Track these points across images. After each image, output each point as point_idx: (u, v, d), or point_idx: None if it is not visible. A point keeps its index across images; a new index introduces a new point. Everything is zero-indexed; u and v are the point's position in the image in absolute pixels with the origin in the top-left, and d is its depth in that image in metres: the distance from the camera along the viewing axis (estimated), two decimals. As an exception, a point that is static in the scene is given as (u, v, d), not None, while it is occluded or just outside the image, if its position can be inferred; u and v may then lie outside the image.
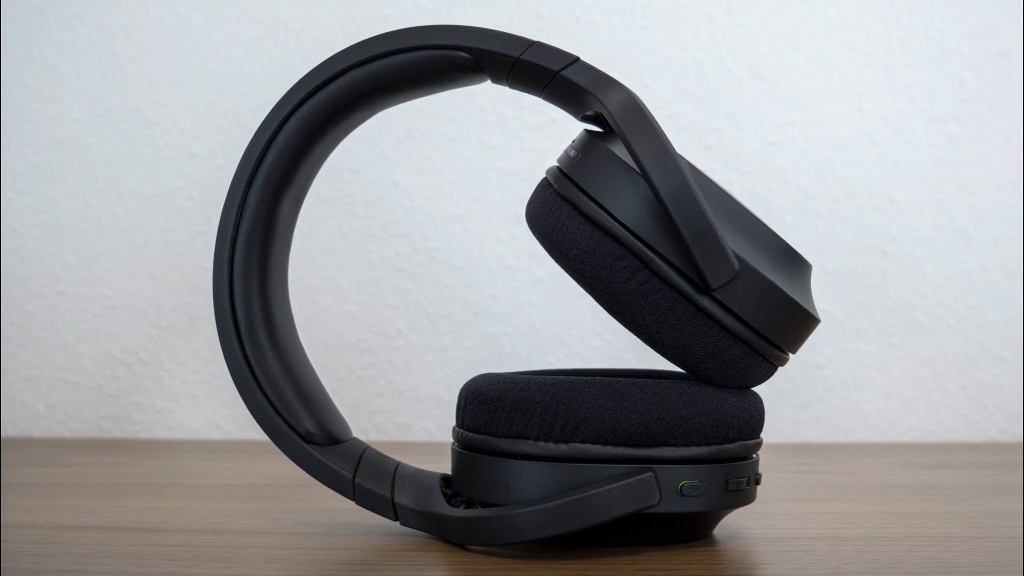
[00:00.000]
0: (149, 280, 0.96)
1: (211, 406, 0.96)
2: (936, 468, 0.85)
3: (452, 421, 0.56)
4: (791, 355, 0.54)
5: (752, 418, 0.53)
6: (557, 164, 0.54)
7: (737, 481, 0.52)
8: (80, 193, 0.95)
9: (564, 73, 0.52)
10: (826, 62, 0.96)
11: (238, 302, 0.56)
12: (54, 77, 0.95)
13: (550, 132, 0.96)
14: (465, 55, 0.54)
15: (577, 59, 0.52)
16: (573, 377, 0.53)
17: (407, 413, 0.96)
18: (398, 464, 0.56)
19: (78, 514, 0.62)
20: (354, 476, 0.55)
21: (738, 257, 0.50)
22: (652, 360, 0.57)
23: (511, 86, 0.55)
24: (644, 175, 0.50)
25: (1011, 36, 0.96)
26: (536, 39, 0.53)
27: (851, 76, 0.96)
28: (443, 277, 0.96)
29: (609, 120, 0.51)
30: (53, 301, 0.95)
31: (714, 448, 0.51)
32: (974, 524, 0.61)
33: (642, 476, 0.49)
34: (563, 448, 0.50)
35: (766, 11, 0.96)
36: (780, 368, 0.54)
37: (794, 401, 0.96)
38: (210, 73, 0.95)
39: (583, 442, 0.50)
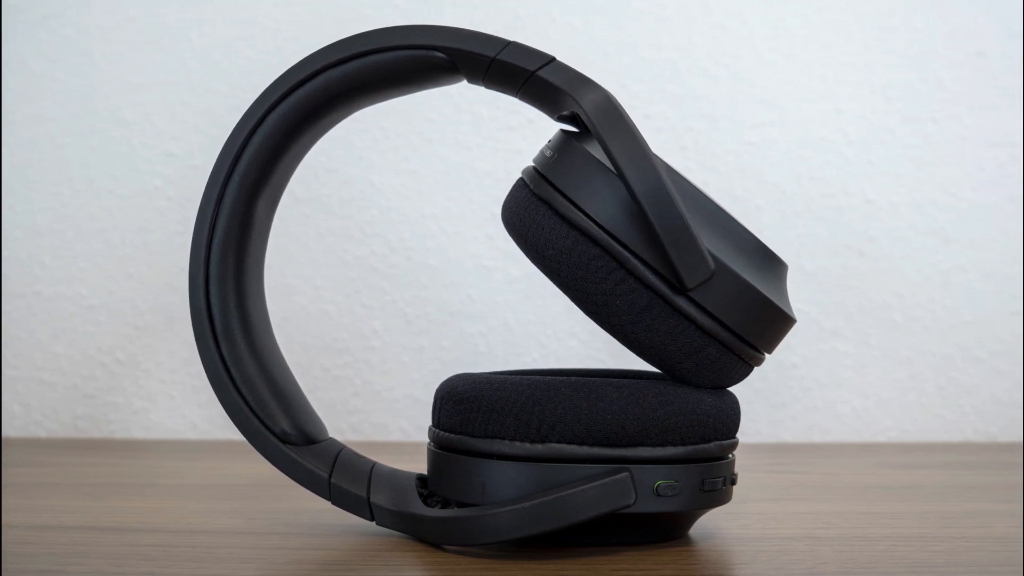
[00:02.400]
0: (126, 280, 0.95)
1: (188, 406, 0.96)
2: (913, 468, 0.85)
3: (428, 421, 0.56)
4: (767, 355, 0.54)
5: (728, 418, 0.53)
6: (533, 164, 0.54)
7: (713, 481, 0.52)
8: (57, 193, 0.94)
9: (540, 73, 0.52)
10: (804, 62, 0.96)
11: (214, 301, 0.56)
12: (30, 77, 0.95)
13: (526, 132, 0.96)
14: (441, 55, 0.54)
15: (553, 59, 0.52)
16: (549, 377, 0.53)
17: (383, 413, 0.96)
18: (374, 464, 0.56)
19: (56, 514, 0.62)
20: (330, 476, 0.55)
21: (714, 257, 0.50)
22: (628, 360, 0.57)
23: (487, 86, 0.55)
24: (620, 175, 0.50)
25: (989, 36, 0.96)
26: (512, 39, 0.53)
27: (828, 76, 0.96)
28: (419, 277, 0.96)
29: (585, 120, 0.51)
30: (30, 301, 0.95)
31: (690, 448, 0.51)
32: (951, 524, 0.62)
33: (618, 476, 0.49)
34: (539, 448, 0.50)
35: (744, 11, 0.96)
36: (756, 368, 0.54)
37: (770, 401, 0.96)
38: (187, 73, 0.95)
39: (559, 442, 0.50)
